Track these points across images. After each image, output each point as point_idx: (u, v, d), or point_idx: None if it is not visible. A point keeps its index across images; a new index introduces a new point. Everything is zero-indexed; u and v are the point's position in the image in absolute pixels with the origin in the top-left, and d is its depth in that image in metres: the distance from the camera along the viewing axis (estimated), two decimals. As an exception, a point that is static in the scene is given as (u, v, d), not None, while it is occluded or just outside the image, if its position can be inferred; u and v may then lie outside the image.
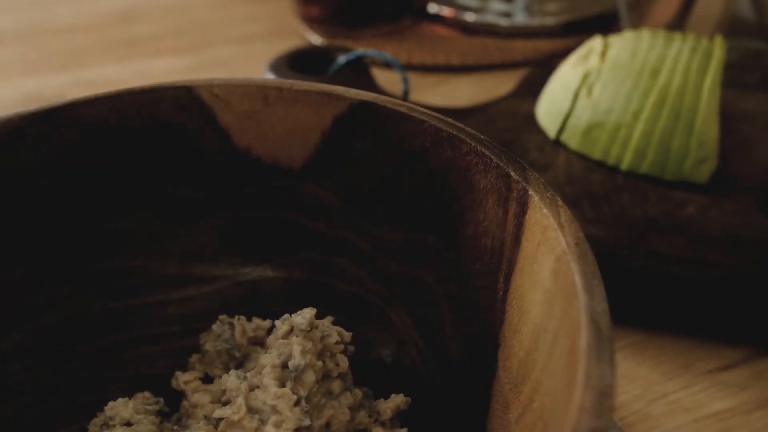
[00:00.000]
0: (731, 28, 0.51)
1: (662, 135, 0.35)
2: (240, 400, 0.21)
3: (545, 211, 0.19)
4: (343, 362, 0.23)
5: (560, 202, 0.19)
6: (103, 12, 0.66)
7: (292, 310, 0.23)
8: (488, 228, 0.22)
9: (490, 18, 0.59)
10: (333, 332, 0.22)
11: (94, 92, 0.25)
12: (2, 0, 0.68)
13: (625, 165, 0.36)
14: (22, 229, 0.24)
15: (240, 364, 0.25)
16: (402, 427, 0.24)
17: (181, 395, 0.25)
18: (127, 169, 0.25)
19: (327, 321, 0.23)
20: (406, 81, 0.42)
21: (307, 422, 0.20)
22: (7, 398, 0.24)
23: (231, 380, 0.21)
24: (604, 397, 0.14)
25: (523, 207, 0.20)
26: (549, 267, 0.18)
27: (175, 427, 0.24)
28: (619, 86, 0.37)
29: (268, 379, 0.21)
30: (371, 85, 0.42)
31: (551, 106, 0.40)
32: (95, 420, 0.24)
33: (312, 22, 0.60)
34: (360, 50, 0.43)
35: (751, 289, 0.30)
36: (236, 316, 0.25)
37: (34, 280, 0.24)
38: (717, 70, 0.36)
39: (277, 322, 0.23)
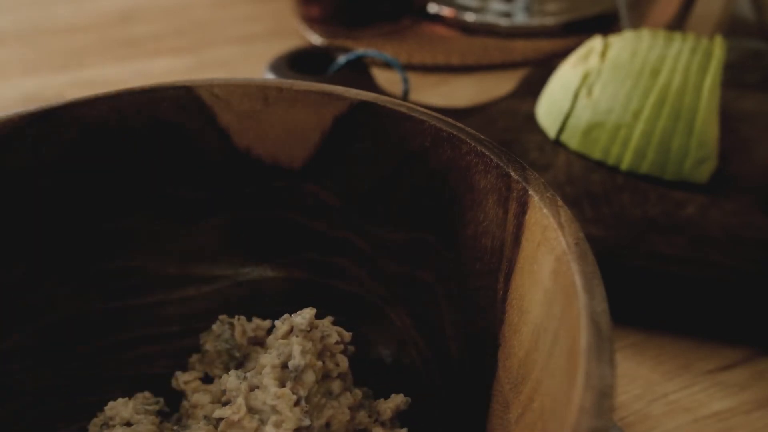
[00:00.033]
0: (731, 28, 0.51)
1: (662, 135, 0.35)
2: (240, 400, 0.21)
3: (545, 211, 0.19)
4: (343, 362, 0.23)
5: (560, 202, 0.19)
6: (103, 12, 0.66)
7: (292, 310, 0.23)
8: (488, 228, 0.22)
9: (490, 18, 0.59)
10: (333, 332, 0.22)
11: (94, 92, 0.25)
12: (2, 0, 0.68)
13: (625, 165, 0.36)
14: (22, 229, 0.24)
15: (240, 364, 0.25)
16: (402, 427, 0.24)
17: (181, 395, 0.25)
18: (127, 169, 0.25)
19: (327, 321, 0.23)
20: (406, 81, 0.42)
21: (307, 422, 0.20)
22: (7, 398, 0.24)
23: (231, 380, 0.21)
24: (604, 397, 0.14)
25: (523, 207, 0.20)
26: (549, 267, 0.18)
27: (175, 427, 0.24)
28: (619, 86, 0.37)
29: (268, 379, 0.21)
30: (371, 85, 0.42)
31: (551, 106, 0.40)
32: (95, 420, 0.24)
33: (312, 22, 0.60)
34: (360, 50, 0.43)
35: (751, 289, 0.30)
36: (236, 316, 0.25)
37: (34, 280, 0.24)
38: (717, 70, 0.36)
39: (277, 322, 0.23)
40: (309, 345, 0.22)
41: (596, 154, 0.37)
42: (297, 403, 0.21)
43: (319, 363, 0.22)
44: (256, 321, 0.26)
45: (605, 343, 0.15)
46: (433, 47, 0.57)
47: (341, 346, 0.23)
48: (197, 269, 0.27)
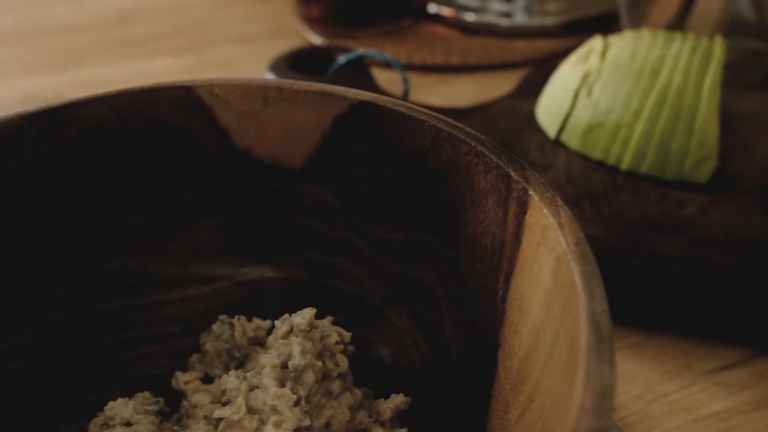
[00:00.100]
0: (731, 28, 0.51)
1: (662, 135, 0.35)
2: (240, 400, 0.21)
3: (545, 211, 0.19)
4: (343, 362, 0.23)
5: (560, 202, 0.19)
6: (103, 12, 0.66)
7: (292, 310, 0.23)
8: (488, 228, 0.22)
9: (490, 18, 0.59)
10: (333, 332, 0.22)
11: (94, 92, 0.25)
12: (2, 0, 0.68)
13: (625, 165, 0.36)
14: (22, 229, 0.24)
15: (240, 364, 0.25)
16: (402, 427, 0.24)
17: (181, 395, 0.25)
18: (127, 169, 0.25)
19: (327, 321, 0.23)
20: (406, 81, 0.42)
21: (306, 422, 0.20)
22: (7, 398, 0.24)
23: (231, 380, 0.21)
24: (604, 397, 0.14)
25: (523, 207, 0.20)
26: (549, 267, 0.18)
27: (175, 427, 0.24)
28: (619, 86, 0.37)
29: (268, 379, 0.21)
30: (371, 85, 0.42)
31: (551, 106, 0.40)
32: (95, 420, 0.24)
33: (312, 22, 0.60)
34: (360, 50, 0.43)
35: (751, 289, 0.30)
36: (236, 316, 0.25)
37: (34, 280, 0.24)
38: (717, 70, 0.36)
39: (277, 322, 0.23)
40: (309, 345, 0.22)
41: (596, 154, 0.37)
42: (297, 403, 0.21)
43: (319, 363, 0.22)
44: (256, 321, 0.26)
45: (605, 343, 0.15)
46: (433, 47, 0.57)
47: (341, 346, 0.23)
48: (197, 269, 0.27)
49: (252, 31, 0.62)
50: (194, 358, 0.26)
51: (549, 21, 0.58)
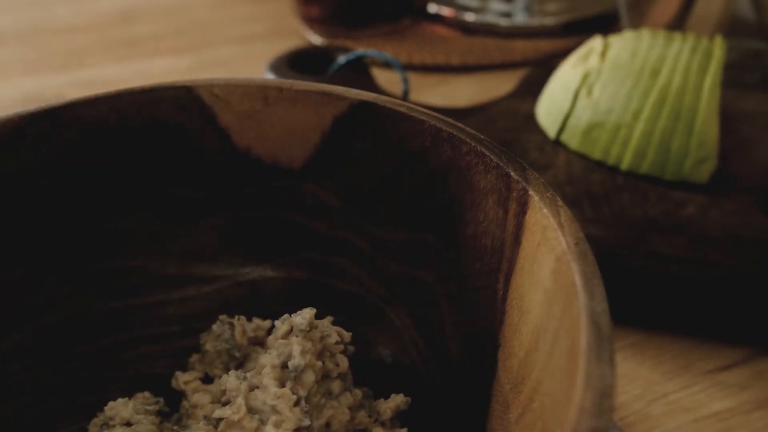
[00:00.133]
0: (731, 28, 0.51)
1: (662, 135, 0.35)
2: (240, 400, 0.21)
3: (545, 211, 0.19)
4: (343, 362, 0.23)
5: (560, 202, 0.19)
6: (103, 12, 0.66)
7: (292, 310, 0.23)
8: (488, 228, 0.22)
9: (490, 18, 0.59)
10: (333, 332, 0.22)
11: (94, 92, 0.25)
12: (2, 0, 0.68)
13: (625, 165, 0.36)
14: (22, 229, 0.24)
15: (240, 364, 0.25)
16: (402, 427, 0.24)
17: (181, 395, 0.25)
18: (127, 169, 0.25)
19: (327, 321, 0.23)
20: (406, 81, 0.42)
21: (306, 422, 0.20)
22: (7, 398, 0.24)
23: (231, 380, 0.21)
24: (604, 397, 0.14)
25: (523, 207, 0.20)
26: (549, 267, 0.18)
27: (175, 427, 0.24)
28: (619, 86, 0.37)
29: (268, 379, 0.21)
30: (371, 85, 0.42)
31: (551, 106, 0.40)
32: (95, 420, 0.24)
33: (312, 22, 0.60)
34: (360, 50, 0.43)
35: (751, 289, 0.30)
36: (236, 316, 0.25)
37: (34, 280, 0.24)
38: (717, 70, 0.36)
39: (277, 322, 0.23)
40: (309, 345, 0.22)
41: (596, 154, 0.37)
42: (297, 403, 0.21)
43: (319, 363, 0.22)
44: (256, 321, 0.26)
45: (605, 343, 0.15)
46: (433, 47, 0.57)
47: (341, 346, 0.23)
48: (197, 269, 0.27)
49: (252, 31, 0.62)
50: (194, 358, 0.26)
51: (549, 21, 0.58)
